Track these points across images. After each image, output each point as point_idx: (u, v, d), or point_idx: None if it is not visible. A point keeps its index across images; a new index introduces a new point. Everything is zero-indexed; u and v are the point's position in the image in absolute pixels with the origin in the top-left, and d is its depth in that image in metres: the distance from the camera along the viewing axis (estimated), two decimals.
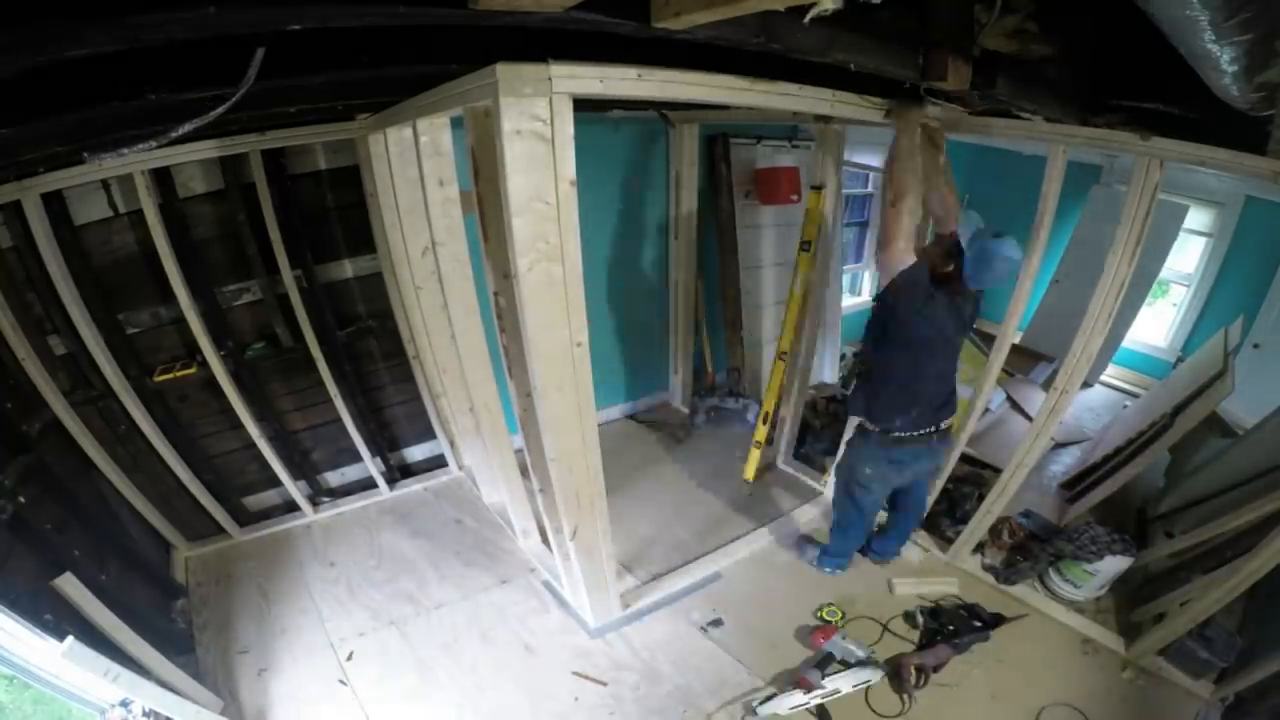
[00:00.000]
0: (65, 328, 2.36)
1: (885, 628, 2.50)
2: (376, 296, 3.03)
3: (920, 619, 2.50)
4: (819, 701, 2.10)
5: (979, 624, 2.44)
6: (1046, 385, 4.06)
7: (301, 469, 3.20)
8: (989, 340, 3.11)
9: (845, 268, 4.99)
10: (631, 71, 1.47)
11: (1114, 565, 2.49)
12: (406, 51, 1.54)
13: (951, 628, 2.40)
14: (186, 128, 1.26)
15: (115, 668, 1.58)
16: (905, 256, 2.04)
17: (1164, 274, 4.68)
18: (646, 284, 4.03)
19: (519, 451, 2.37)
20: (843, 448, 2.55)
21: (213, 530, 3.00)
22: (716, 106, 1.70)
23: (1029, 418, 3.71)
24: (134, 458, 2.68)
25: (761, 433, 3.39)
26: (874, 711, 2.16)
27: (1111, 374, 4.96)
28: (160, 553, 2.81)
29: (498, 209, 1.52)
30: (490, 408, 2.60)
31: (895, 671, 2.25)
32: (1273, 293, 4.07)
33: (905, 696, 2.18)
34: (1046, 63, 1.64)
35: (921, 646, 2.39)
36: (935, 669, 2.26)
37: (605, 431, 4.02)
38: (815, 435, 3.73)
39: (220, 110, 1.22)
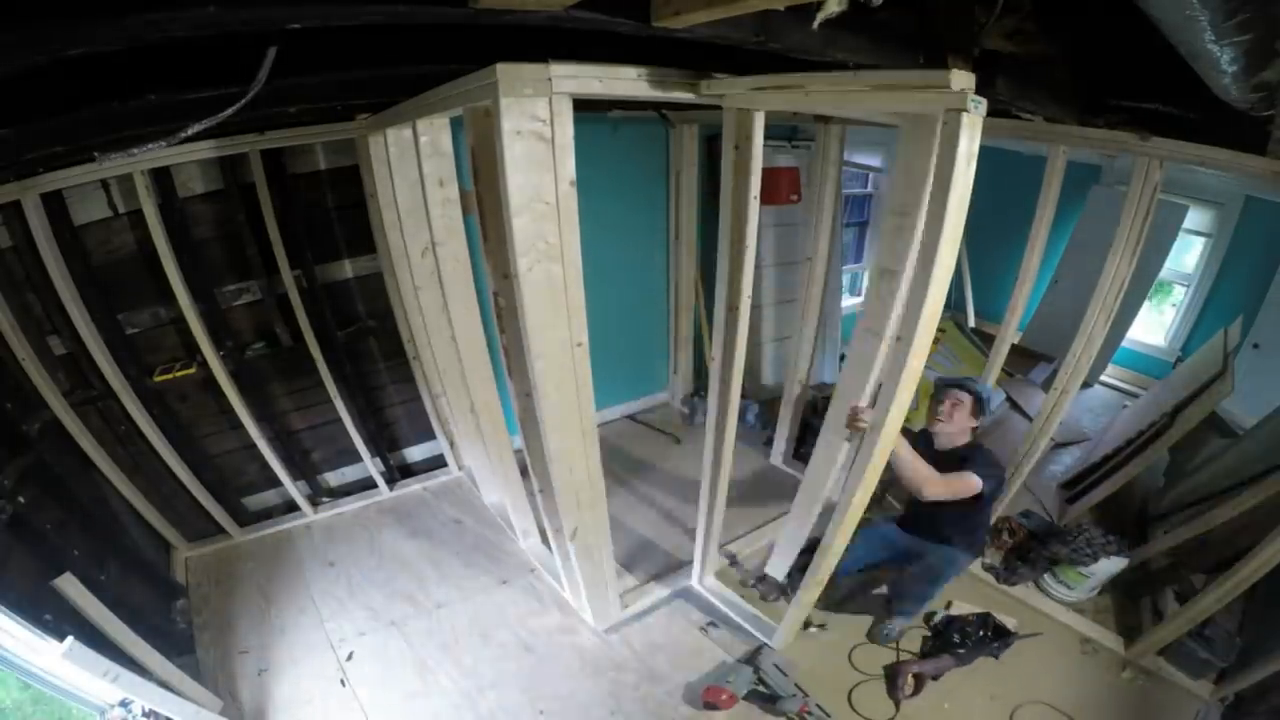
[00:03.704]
0: (65, 328, 2.36)
1: (898, 648, 2.44)
2: (376, 296, 3.03)
3: (936, 624, 2.47)
4: None
5: (986, 635, 2.37)
6: (1046, 385, 4.07)
7: (301, 469, 3.20)
8: (989, 340, 3.11)
9: (845, 268, 4.98)
10: (631, 71, 1.47)
11: (1109, 567, 2.49)
12: (406, 51, 1.54)
13: (958, 639, 2.35)
14: (196, 128, 1.27)
15: (115, 668, 1.58)
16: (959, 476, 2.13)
17: (1164, 274, 4.68)
18: (646, 284, 4.03)
19: (519, 451, 2.36)
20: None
21: (212, 530, 2.99)
22: (716, 107, 1.70)
23: (1029, 418, 3.71)
24: (134, 458, 2.68)
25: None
26: (859, 715, 2.15)
27: (1111, 374, 4.97)
28: (160, 553, 2.81)
29: (498, 209, 1.52)
30: (490, 408, 2.60)
31: (892, 676, 2.24)
32: (1272, 293, 4.07)
33: (895, 703, 2.17)
34: (1046, 63, 1.64)
35: (925, 654, 2.37)
36: (934, 677, 2.25)
37: (605, 431, 4.03)
38: (815, 435, 3.73)
39: (232, 110, 1.23)
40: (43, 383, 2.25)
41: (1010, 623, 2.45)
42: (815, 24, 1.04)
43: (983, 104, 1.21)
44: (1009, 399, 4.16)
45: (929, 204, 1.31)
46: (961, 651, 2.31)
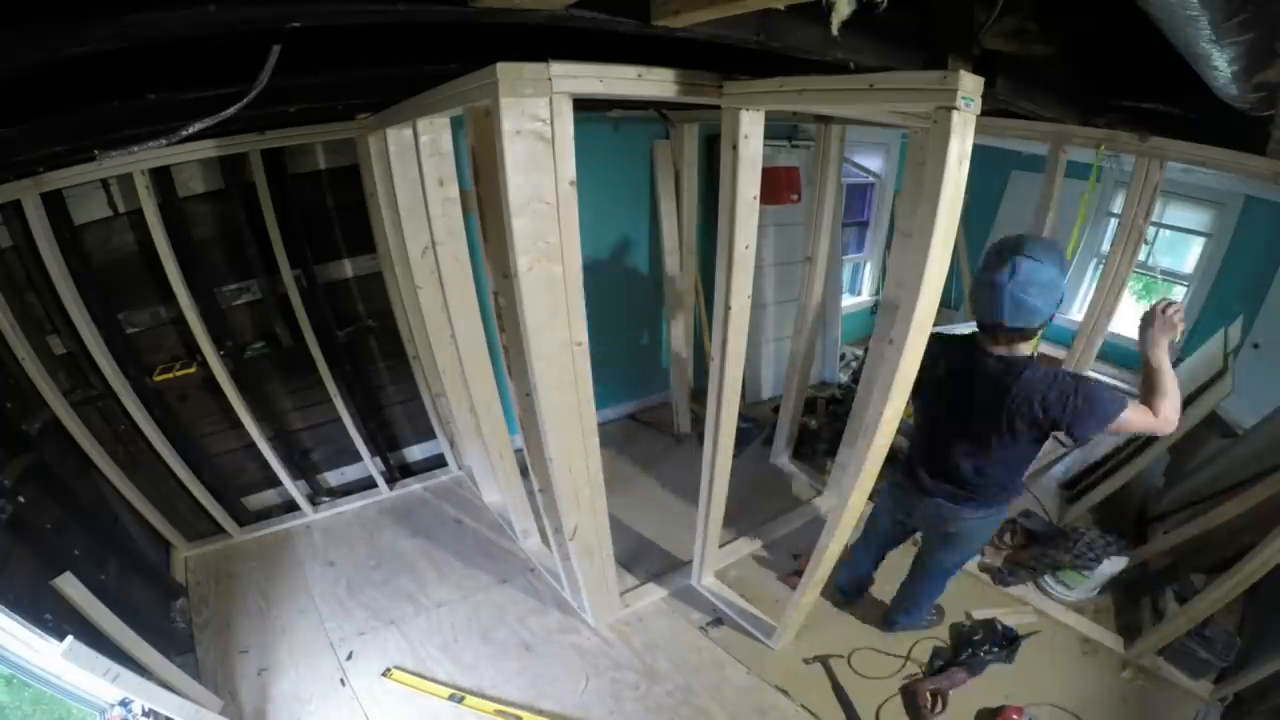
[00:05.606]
0: (65, 327, 2.36)
1: (908, 659, 2.38)
2: (376, 296, 3.03)
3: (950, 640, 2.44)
4: None
5: (995, 640, 2.35)
6: None
7: (301, 469, 3.20)
8: None
9: (845, 257, 4.97)
10: (631, 71, 1.47)
11: (1109, 567, 2.49)
12: (406, 51, 1.53)
13: (969, 650, 2.32)
14: (197, 126, 1.26)
15: (115, 668, 1.58)
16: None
17: (1164, 274, 4.69)
18: (646, 283, 4.03)
19: (519, 451, 2.36)
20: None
21: (212, 530, 3.00)
22: (716, 106, 1.70)
23: None
24: (133, 457, 2.68)
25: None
26: None
27: (1109, 372, 4.96)
28: (160, 552, 2.81)
29: (498, 209, 1.52)
30: (490, 408, 2.60)
31: (911, 699, 2.19)
32: (1273, 293, 4.06)
33: None
34: (1046, 63, 1.64)
35: (936, 671, 2.30)
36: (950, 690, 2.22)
37: (605, 431, 4.00)
38: (815, 435, 3.73)
39: (234, 109, 1.22)
40: (43, 382, 2.25)
41: (1015, 621, 2.45)
42: (833, 29, 1.03)
43: (975, 102, 1.18)
44: None
45: (920, 205, 1.28)
46: (973, 661, 2.28)
